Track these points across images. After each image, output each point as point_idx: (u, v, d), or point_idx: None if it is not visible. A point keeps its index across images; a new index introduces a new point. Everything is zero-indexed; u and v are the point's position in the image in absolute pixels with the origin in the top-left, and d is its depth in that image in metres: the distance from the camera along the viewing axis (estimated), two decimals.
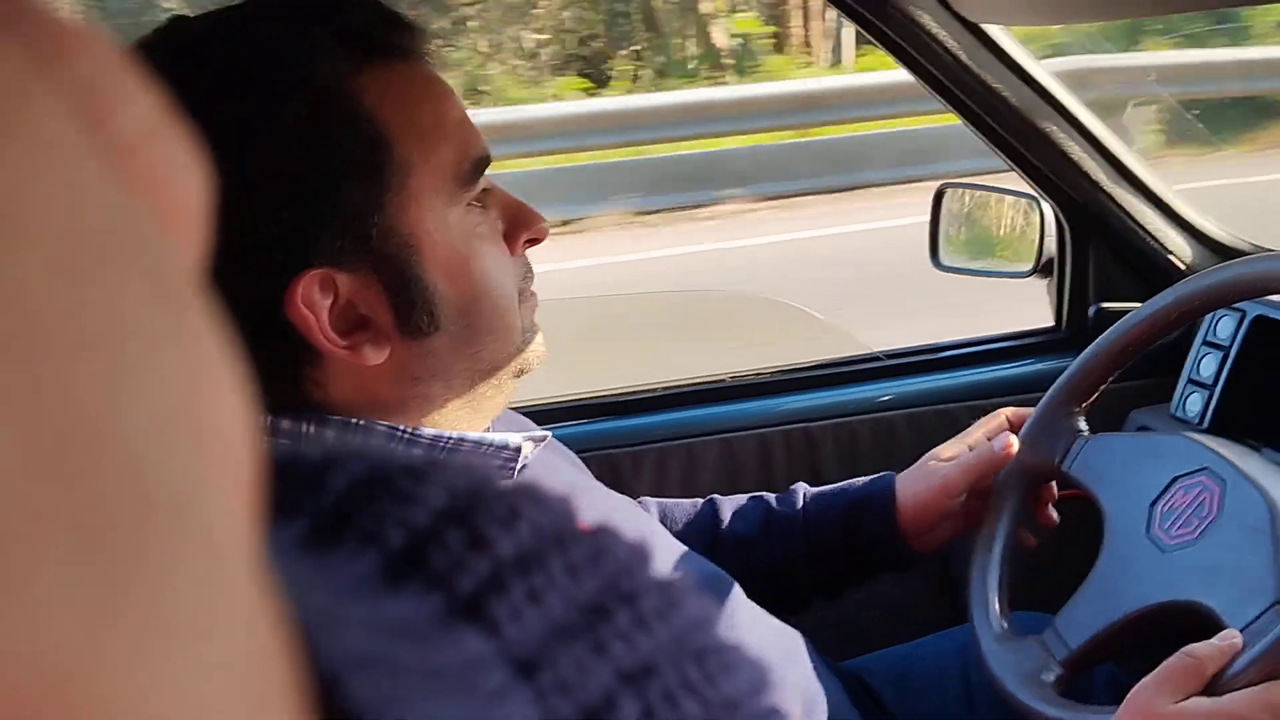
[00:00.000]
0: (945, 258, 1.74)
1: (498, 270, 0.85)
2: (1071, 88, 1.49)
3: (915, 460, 1.56)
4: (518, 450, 0.87)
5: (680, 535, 1.19)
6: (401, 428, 0.82)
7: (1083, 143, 1.51)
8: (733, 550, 1.21)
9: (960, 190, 1.74)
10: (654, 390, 1.56)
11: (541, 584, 0.32)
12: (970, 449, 1.20)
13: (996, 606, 1.12)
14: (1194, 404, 1.43)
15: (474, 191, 0.84)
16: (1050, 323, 1.71)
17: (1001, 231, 1.74)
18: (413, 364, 0.82)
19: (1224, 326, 1.41)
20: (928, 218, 1.72)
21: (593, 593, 0.32)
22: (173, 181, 0.19)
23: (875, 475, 1.23)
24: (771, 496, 1.25)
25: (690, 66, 8.91)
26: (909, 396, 1.59)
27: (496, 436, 0.86)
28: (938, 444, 1.56)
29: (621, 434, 1.50)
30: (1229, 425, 1.41)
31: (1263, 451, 1.32)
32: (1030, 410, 1.22)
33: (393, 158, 0.78)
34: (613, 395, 1.55)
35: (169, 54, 0.78)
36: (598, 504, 1.00)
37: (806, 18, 9.04)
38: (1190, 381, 1.45)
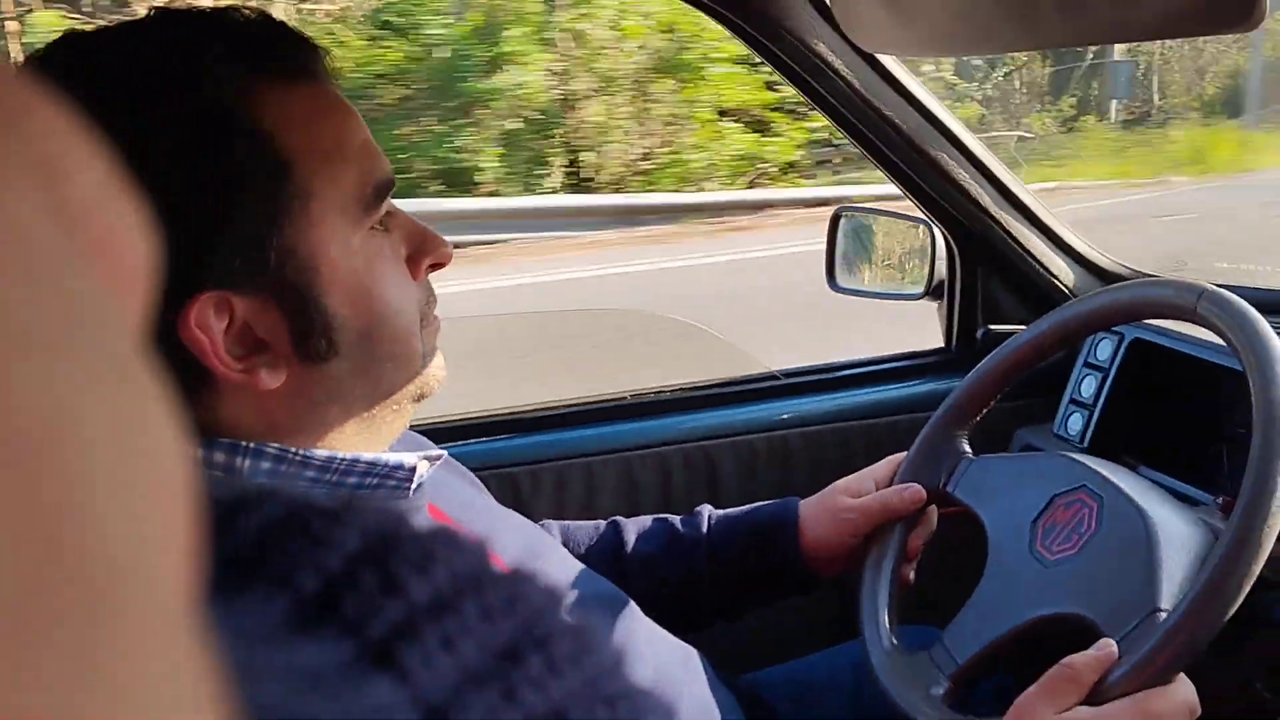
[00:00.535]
0: (841, 279, 1.78)
1: (399, 295, 0.84)
2: None
3: (812, 478, 1.59)
4: (413, 470, 0.86)
5: (583, 558, 1.19)
6: (293, 450, 0.81)
7: (971, 170, 1.56)
8: (638, 572, 1.21)
9: (855, 214, 1.78)
10: (553, 409, 1.56)
11: (454, 630, 0.32)
12: (875, 485, 1.22)
13: (886, 623, 1.15)
14: (1075, 423, 1.48)
15: (377, 215, 0.82)
16: (941, 343, 1.76)
17: (895, 255, 1.78)
18: (310, 388, 0.81)
19: (1103, 349, 1.47)
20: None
21: (505, 638, 0.32)
22: (122, 247, 0.20)
23: (780, 500, 1.25)
24: (676, 518, 1.26)
25: None
26: (805, 415, 1.62)
27: (391, 457, 0.86)
28: (834, 461, 1.60)
29: (520, 452, 1.50)
30: (1108, 444, 1.46)
31: (1139, 470, 1.38)
32: None
33: (293, 180, 0.77)
34: (511, 413, 1.55)
35: (62, 68, 0.76)
36: (497, 524, 1.00)
37: None
38: (1072, 402, 1.50)
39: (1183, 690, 0.91)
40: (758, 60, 1.45)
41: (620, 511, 1.48)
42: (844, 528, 1.20)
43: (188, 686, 0.17)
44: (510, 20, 9.67)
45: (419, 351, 0.87)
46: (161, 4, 0.80)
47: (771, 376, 1.68)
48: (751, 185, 10.17)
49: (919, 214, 1.66)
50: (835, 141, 10.29)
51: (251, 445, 0.79)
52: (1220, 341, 1.06)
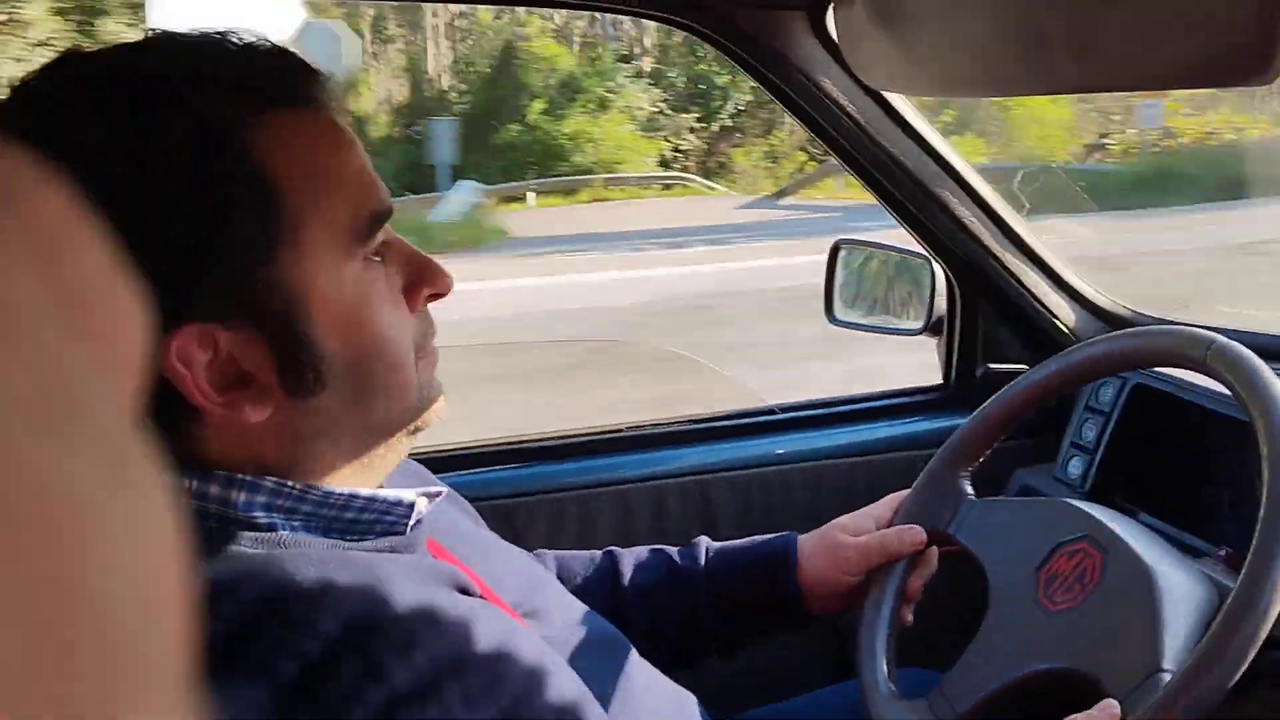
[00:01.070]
0: (839, 312, 1.77)
1: (393, 328, 0.82)
2: None
3: (809, 515, 1.57)
4: (411, 506, 0.85)
5: (579, 588, 1.17)
6: (289, 484, 0.78)
7: (974, 208, 1.55)
8: (633, 603, 1.20)
9: (855, 246, 1.77)
10: (548, 440, 1.55)
11: (436, 716, 0.32)
12: (876, 524, 1.21)
13: (884, 668, 1.13)
14: (1076, 467, 1.47)
15: (370, 246, 0.80)
16: (939, 380, 1.75)
17: (894, 289, 1.77)
18: (297, 423, 0.79)
19: (1105, 393, 1.46)
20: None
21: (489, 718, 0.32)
22: (119, 328, 0.20)
23: (778, 535, 1.23)
24: (673, 550, 1.24)
25: None
26: (803, 452, 1.61)
27: (389, 493, 0.83)
28: (831, 498, 1.59)
29: (515, 483, 1.48)
30: (1109, 488, 1.45)
31: (1139, 516, 1.36)
32: None
33: (284, 210, 0.75)
34: (506, 444, 1.53)
35: (57, 89, 0.75)
36: (495, 559, 0.98)
37: None
38: (1073, 445, 1.49)
39: None
40: None
41: (615, 543, 1.46)
42: (842, 565, 1.19)
43: None
44: None
45: (413, 384, 0.84)
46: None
47: (769, 411, 1.67)
48: None
49: (919, 249, 1.65)
50: None
51: (248, 478, 0.77)
52: (1225, 390, 1.05)
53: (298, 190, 0.76)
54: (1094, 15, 0.88)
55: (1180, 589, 0.99)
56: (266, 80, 0.77)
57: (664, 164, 17.94)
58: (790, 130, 16.45)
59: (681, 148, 18.40)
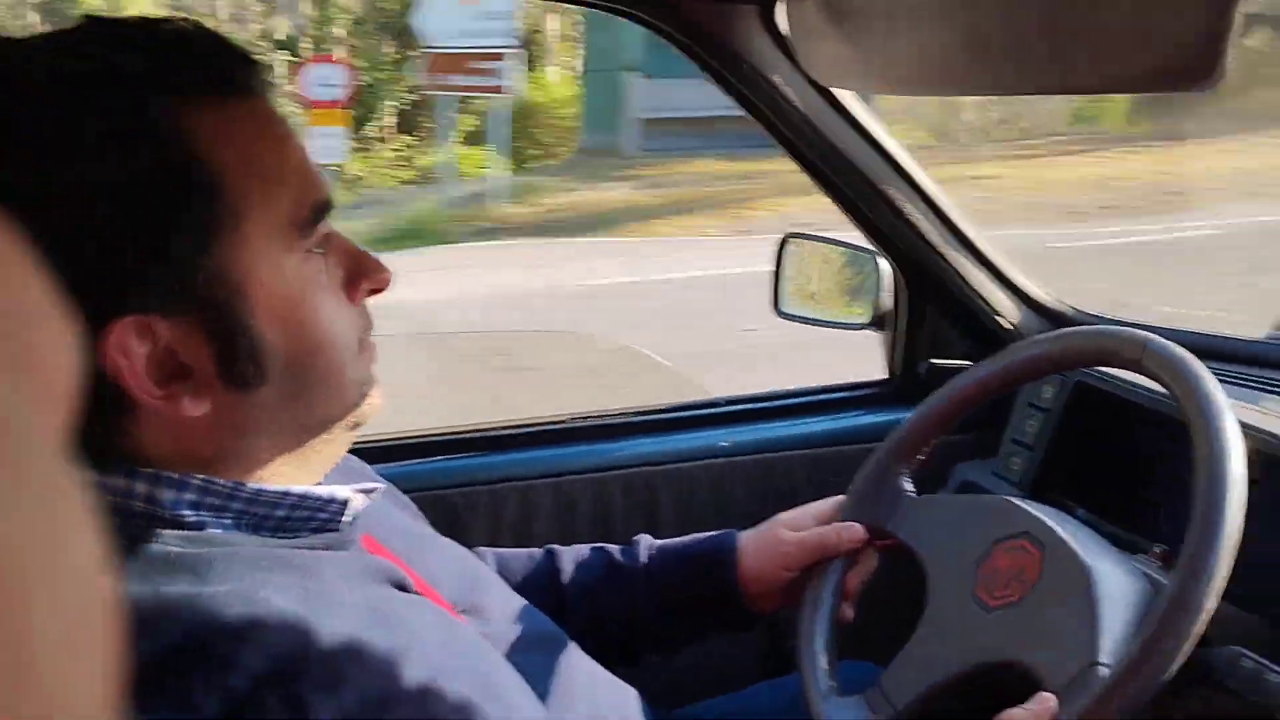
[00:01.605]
0: (786, 305, 1.77)
1: (334, 321, 0.80)
2: None
3: (751, 507, 1.58)
4: (345, 503, 0.83)
5: (519, 587, 1.17)
6: (220, 481, 0.76)
7: (920, 205, 1.56)
8: (575, 602, 1.19)
9: (803, 240, 1.78)
10: (490, 430, 1.54)
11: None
12: (816, 521, 1.21)
13: (824, 664, 1.13)
14: (1016, 463, 1.49)
15: (312, 239, 0.79)
16: (883, 375, 1.76)
17: (841, 283, 1.78)
18: (235, 417, 0.77)
19: (1046, 390, 1.47)
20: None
21: None
22: (50, 362, 0.19)
23: (718, 532, 1.23)
24: (614, 548, 1.24)
25: None
26: (746, 444, 1.61)
27: (323, 489, 0.82)
28: (774, 491, 1.59)
29: (456, 474, 1.47)
30: (1048, 485, 1.47)
31: (1077, 512, 1.38)
32: None
33: (225, 201, 0.73)
34: (447, 434, 1.52)
35: None
36: (434, 557, 0.97)
37: None
38: (1014, 441, 1.50)
39: None
40: None
41: (556, 536, 1.46)
42: (782, 561, 1.19)
43: None
44: None
45: (353, 379, 0.83)
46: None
47: (712, 403, 1.67)
48: None
49: (867, 244, 1.66)
50: None
51: (176, 476, 0.75)
52: (1162, 390, 1.07)
53: (239, 181, 0.74)
54: (1040, 20, 0.88)
55: (1117, 586, 1.00)
56: (206, 69, 0.75)
57: None
58: None
59: None
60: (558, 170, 16.02)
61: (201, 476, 0.76)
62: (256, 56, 0.79)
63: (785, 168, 1.55)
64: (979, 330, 1.66)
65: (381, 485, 0.91)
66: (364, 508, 0.86)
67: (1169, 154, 13.01)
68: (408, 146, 17.88)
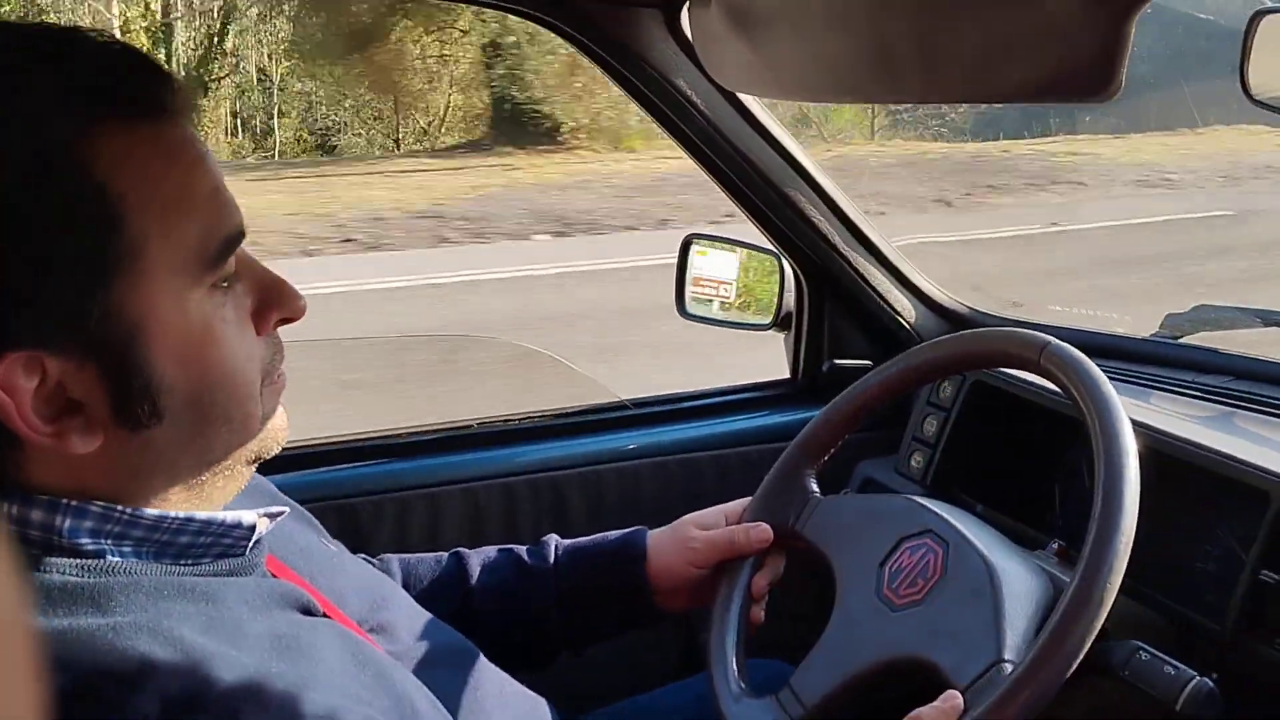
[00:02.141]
0: (690, 306, 1.78)
1: (239, 357, 0.76)
2: None
3: (660, 509, 1.57)
4: (251, 528, 0.80)
5: (426, 593, 1.15)
6: (119, 509, 0.72)
7: (822, 207, 1.58)
8: (483, 604, 1.18)
9: (706, 241, 1.79)
10: (396, 436, 1.51)
11: None
12: (726, 521, 1.22)
13: (734, 666, 1.14)
14: (918, 461, 1.52)
15: (220, 273, 0.74)
16: (787, 375, 1.78)
17: (744, 284, 1.80)
18: (130, 455, 0.73)
19: (945, 389, 1.51)
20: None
21: None
22: None
23: (628, 530, 1.23)
24: (522, 549, 1.23)
25: None
26: (653, 446, 1.62)
27: (228, 515, 0.79)
28: (682, 492, 1.60)
29: (362, 482, 1.45)
30: (949, 481, 1.50)
31: (977, 509, 1.41)
32: None
33: (125, 233, 0.69)
34: (352, 441, 1.49)
35: None
36: (338, 575, 0.95)
37: None
38: (914, 439, 1.53)
39: None
40: None
41: (465, 543, 1.44)
42: (690, 558, 1.19)
43: None
44: None
45: (257, 414, 0.79)
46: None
47: (621, 406, 1.67)
48: None
49: (769, 246, 1.67)
50: None
51: (73, 503, 0.71)
52: (1057, 388, 1.10)
53: (142, 211, 0.69)
54: (940, 29, 0.90)
55: (1018, 582, 1.03)
56: (112, 86, 0.70)
57: None
58: None
59: None
60: None
61: (101, 504, 0.72)
62: (174, 75, 0.74)
63: None
64: (879, 330, 1.69)
65: (286, 508, 0.88)
66: (268, 530, 0.84)
67: None
68: None
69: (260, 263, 0.80)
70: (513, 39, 12.32)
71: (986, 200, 9.68)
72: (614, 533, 1.24)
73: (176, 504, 0.77)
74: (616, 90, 1.46)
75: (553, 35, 1.39)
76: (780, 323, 1.73)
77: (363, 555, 1.15)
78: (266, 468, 1.05)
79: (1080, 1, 0.79)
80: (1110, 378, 1.04)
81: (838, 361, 1.70)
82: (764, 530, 1.19)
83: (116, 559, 0.73)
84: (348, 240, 8.20)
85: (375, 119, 15.00)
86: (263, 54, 15.41)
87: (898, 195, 9.41)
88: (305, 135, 14.96)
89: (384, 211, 8.96)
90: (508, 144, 11.99)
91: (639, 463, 1.60)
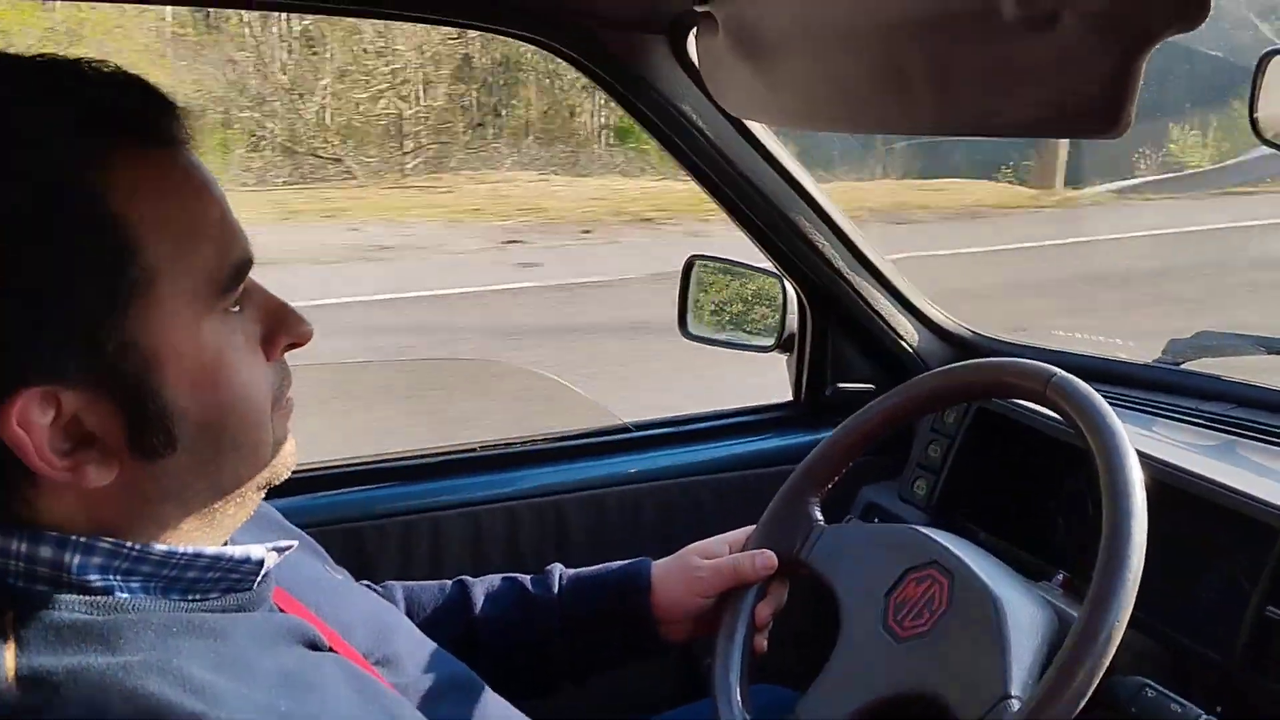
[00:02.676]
0: (693, 327, 1.78)
1: (251, 384, 0.76)
2: None
3: (662, 533, 1.57)
4: (260, 563, 0.80)
5: (429, 621, 1.15)
6: (128, 545, 0.72)
7: (826, 231, 1.58)
8: (487, 634, 1.18)
9: (710, 263, 1.79)
10: (399, 460, 1.51)
11: None
12: (730, 549, 1.21)
13: (738, 695, 1.13)
14: (921, 487, 1.51)
15: (231, 299, 0.75)
16: (789, 397, 1.77)
17: (747, 306, 1.80)
18: (144, 485, 0.73)
19: (949, 415, 1.50)
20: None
21: None
22: None
23: (632, 561, 1.23)
24: (526, 578, 1.22)
25: None
26: (655, 470, 1.61)
27: (237, 550, 0.78)
28: (684, 516, 1.60)
29: (365, 506, 1.44)
30: (952, 508, 1.50)
31: (980, 536, 1.41)
32: None
33: (139, 263, 0.69)
34: (356, 465, 1.49)
35: None
36: (344, 606, 0.94)
37: None
38: (918, 465, 1.53)
39: None
40: None
41: (468, 566, 1.44)
42: (695, 587, 1.19)
43: None
44: None
45: (268, 441, 0.79)
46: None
47: (623, 429, 1.66)
48: None
49: (772, 268, 1.67)
50: None
51: (83, 539, 0.71)
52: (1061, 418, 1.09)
53: (155, 241, 0.69)
54: (953, 62, 0.90)
55: (1024, 615, 1.03)
56: (123, 117, 0.70)
57: None
58: None
59: None
60: None
61: (110, 540, 0.72)
62: (178, 104, 0.74)
63: None
64: (883, 354, 1.69)
65: (295, 541, 0.88)
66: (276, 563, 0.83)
67: None
68: None
69: (265, 288, 0.80)
70: None
71: None
72: (618, 563, 1.23)
73: (188, 532, 0.77)
74: None
75: None
76: (783, 344, 1.73)
77: (366, 582, 1.15)
78: (271, 491, 1.05)
79: (1092, 35, 0.79)
80: (1112, 404, 1.04)
81: (841, 385, 1.70)
82: (769, 558, 1.18)
83: (125, 595, 0.72)
84: None
85: None
86: None
87: None
88: None
89: None
90: None
91: (641, 486, 1.59)
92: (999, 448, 1.48)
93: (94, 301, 0.68)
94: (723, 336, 1.81)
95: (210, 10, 10.95)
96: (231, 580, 0.78)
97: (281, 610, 0.84)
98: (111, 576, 0.72)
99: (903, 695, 1.04)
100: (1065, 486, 1.41)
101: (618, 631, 1.20)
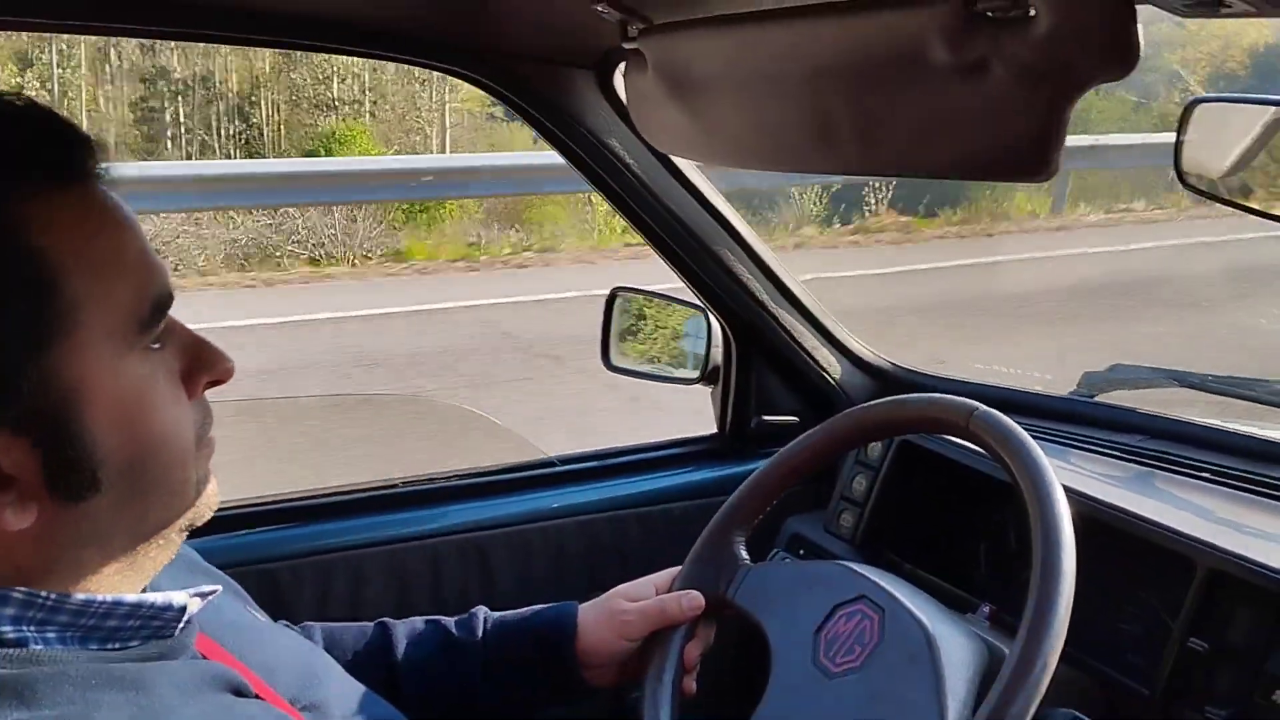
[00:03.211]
0: (616, 359, 1.77)
1: (174, 421, 0.74)
2: None
3: (587, 569, 1.56)
4: (182, 609, 0.77)
5: (350, 664, 1.11)
6: (43, 595, 0.70)
7: (750, 265, 1.59)
8: (408, 678, 1.15)
9: (632, 295, 1.78)
10: (315, 497, 1.47)
11: None
12: (656, 590, 1.20)
13: None
14: (847, 520, 1.52)
15: (153, 334, 0.73)
16: (713, 429, 1.77)
17: (670, 339, 1.79)
18: (64, 529, 0.70)
19: (874, 448, 1.51)
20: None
21: None
22: None
23: (558, 605, 1.21)
24: (450, 621, 1.20)
25: None
26: (580, 505, 1.60)
27: (158, 597, 0.76)
28: (608, 551, 1.58)
29: (281, 545, 1.40)
30: (877, 540, 1.51)
31: (905, 568, 1.42)
32: None
33: (59, 299, 0.67)
34: (269, 503, 1.44)
35: None
36: (269, 649, 0.91)
37: None
38: (843, 498, 1.54)
39: None
40: None
41: (389, 606, 1.41)
42: (622, 630, 1.18)
43: None
44: None
45: (191, 479, 0.77)
46: None
47: (548, 463, 1.65)
48: None
49: (696, 300, 1.67)
50: None
51: None
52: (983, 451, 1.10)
53: (75, 275, 0.67)
54: (879, 108, 0.91)
55: (956, 649, 1.03)
56: (39, 153, 0.68)
57: None
58: None
59: None
60: None
61: (23, 590, 0.68)
62: (91, 138, 0.72)
63: None
64: (806, 386, 1.70)
65: (219, 586, 0.85)
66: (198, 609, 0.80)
67: None
68: None
69: (184, 325, 0.78)
70: None
71: None
72: (543, 607, 1.21)
73: (108, 576, 0.74)
74: None
75: None
76: (707, 377, 1.72)
77: (284, 622, 1.11)
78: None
79: (1021, 84, 0.80)
80: (1031, 436, 1.05)
81: (766, 417, 1.70)
82: (696, 598, 1.17)
83: (40, 647, 0.69)
84: None
85: None
86: None
87: None
88: None
89: None
90: None
91: (565, 521, 1.58)
92: (922, 480, 1.49)
93: (12, 340, 0.65)
94: (645, 369, 1.80)
95: None
96: (153, 628, 0.75)
97: (204, 657, 0.81)
98: (26, 628, 0.69)
99: None
100: (987, 519, 1.42)
101: (543, 677, 1.18)
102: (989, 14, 0.79)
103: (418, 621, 1.21)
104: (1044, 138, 0.80)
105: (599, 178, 1.45)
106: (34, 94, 0.74)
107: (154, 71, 14.07)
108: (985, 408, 1.10)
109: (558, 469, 1.64)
